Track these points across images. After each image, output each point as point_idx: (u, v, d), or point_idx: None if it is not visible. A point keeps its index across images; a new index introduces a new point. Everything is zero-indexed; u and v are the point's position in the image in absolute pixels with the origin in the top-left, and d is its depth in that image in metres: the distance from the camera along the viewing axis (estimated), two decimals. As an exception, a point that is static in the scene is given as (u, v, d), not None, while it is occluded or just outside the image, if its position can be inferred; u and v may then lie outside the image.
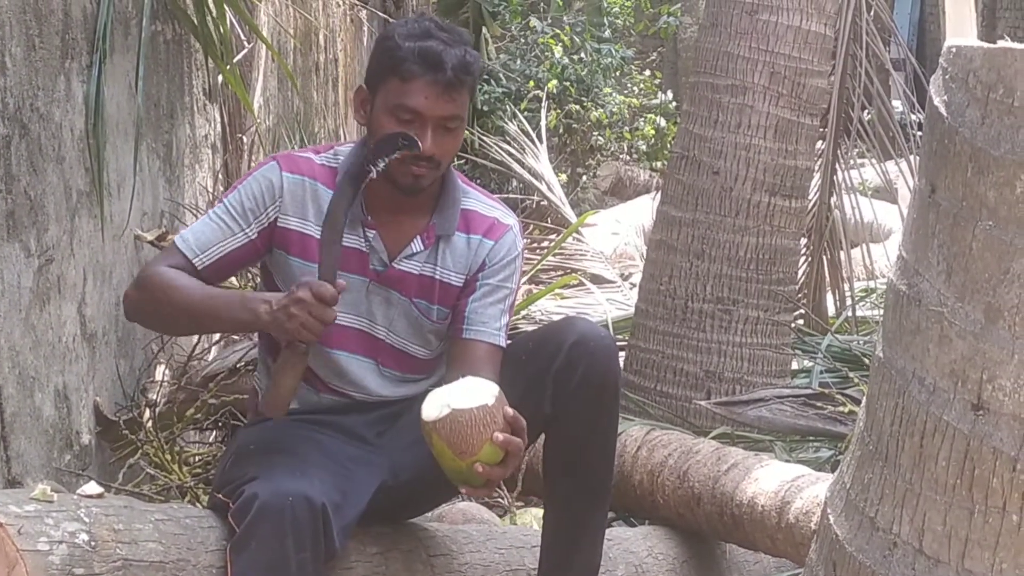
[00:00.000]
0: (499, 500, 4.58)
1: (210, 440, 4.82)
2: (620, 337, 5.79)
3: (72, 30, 3.90)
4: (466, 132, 11.23)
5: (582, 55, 12.85)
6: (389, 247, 3.23)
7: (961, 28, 5.19)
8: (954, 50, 2.16)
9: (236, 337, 4.98)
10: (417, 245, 3.24)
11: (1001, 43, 2.11)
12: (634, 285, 6.83)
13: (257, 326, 3.11)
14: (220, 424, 4.58)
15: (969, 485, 2.17)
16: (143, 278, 3.17)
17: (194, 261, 3.15)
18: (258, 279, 3.69)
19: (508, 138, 10.08)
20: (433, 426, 2.89)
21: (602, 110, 12.76)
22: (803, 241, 6.34)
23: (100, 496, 2.88)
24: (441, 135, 3.12)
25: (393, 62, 3.12)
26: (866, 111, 6.97)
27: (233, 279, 4.94)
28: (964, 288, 2.15)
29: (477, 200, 3.33)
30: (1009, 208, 2.09)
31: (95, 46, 4.05)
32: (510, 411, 2.93)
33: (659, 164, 13.00)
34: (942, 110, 2.17)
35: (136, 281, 3.20)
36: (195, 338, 4.89)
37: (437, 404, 2.91)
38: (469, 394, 2.92)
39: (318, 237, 3.17)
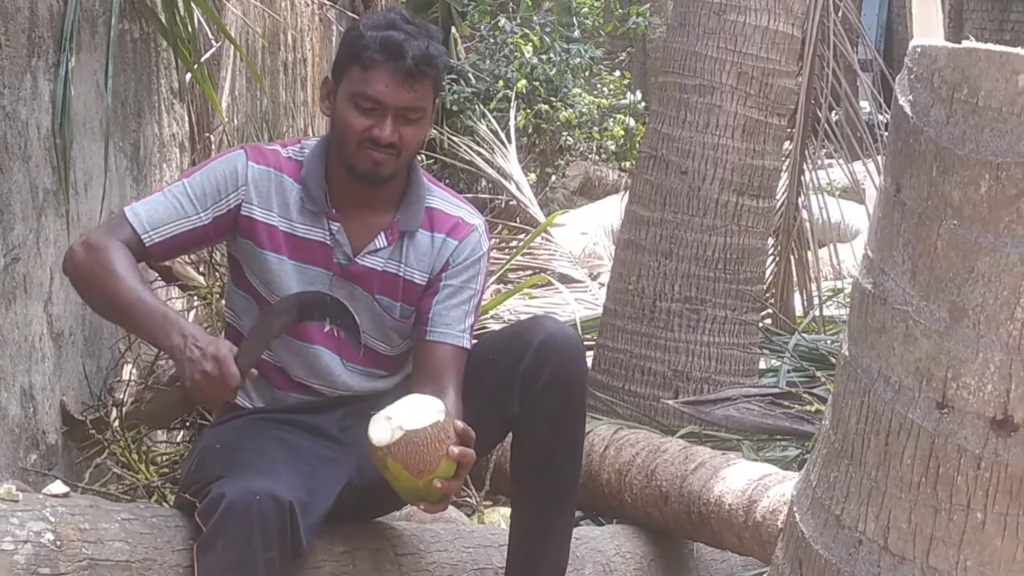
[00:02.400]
0: (467, 499, 4.58)
1: (177, 440, 4.80)
2: (588, 336, 5.80)
3: (39, 28, 3.88)
4: (435, 132, 11.13)
5: (551, 55, 12.84)
6: (353, 241, 3.22)
7: (928, 29, 5.22)
8: (919, 50, 2.17)
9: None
10: (381, 241, 3.23)
11: (966, 43, 2.12)
12: (602, 285, 6.83)
13: (163, 348, 3.06)
14: (187, 424, 4.57)
15: (934, 483, 2.18)
16: (95, 246, 3.07)
17: (143, 237, 3.10)
18: (226, 277, 3.67)
19: (477, 138, 10.08)
20: (387, 450, 2.88)
21: (571, 110, 12.76)
22: (771, 241, 6.37)
23: (66, 495, 2.86)
24: (402, 124, 3.11)
25: (355, 50, 3.12)
26: (834, 111, 7.00)
27: (201, 278, 4.93)
28: (929, 287, 2.16)
29: (442, 199, 3.32)
30: (973, 207, 2.10)
31: (62, 45, 4.03)
32: (460, 424, 2.95)
33: (628, 164, 13.01)
34: (907, 110, 2.18)
35: (87, 243, 3.10)
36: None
37: (386, 428, 2.89)
38: (417, 413, 2.91)
39: (283, 230, 3.18)
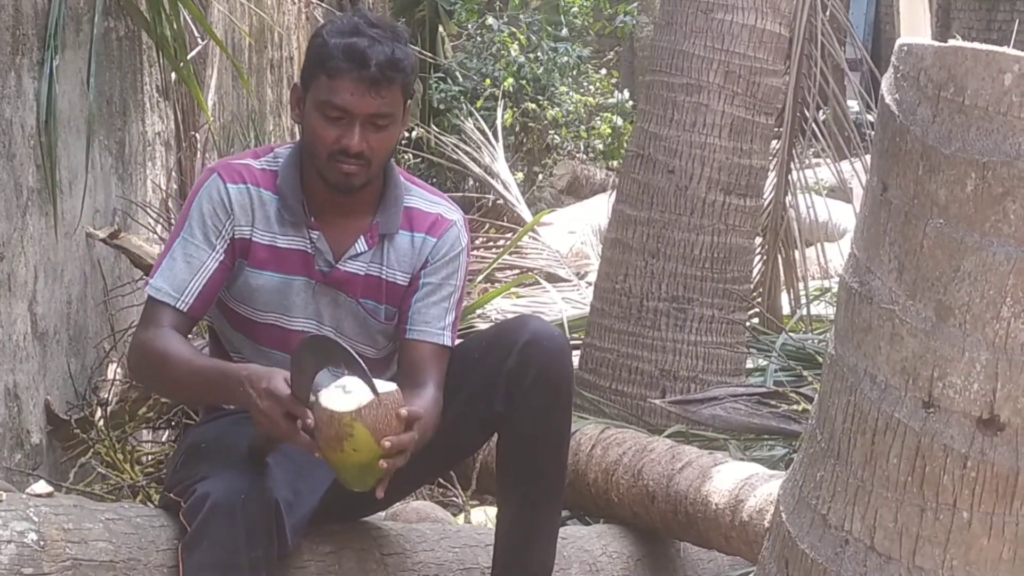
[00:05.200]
0: (454, 499, 4.57)
1: (163, 439, 4.79)
2: (575, 336, 5.79)
3: (23, 26, 3.86)
4: (422, 130, 11.07)
5: (539, 54, 12.84)
6: (334, 248, 3.20)
7: (915, 28, 5.22)
8: (905, 48, 2.17)
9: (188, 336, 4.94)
10: (361, 245, 3.21)
11: (952, 42, 2.12)
12: (590, 284, 6.83)
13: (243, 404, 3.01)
14: (173, 423, 4.56)
15: (920, 482, 2.18)
16: (139, 346, 3.12)
17: (177, 306, 3.09)
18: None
19: (464, 136, 10.07)
20: (357, 414, 2.78)
21: (558, 109, 12.76)
22: (758, 240, 6.37)
23: (50, 495, 2.86)
24: (371, 132, 3.08)
25: (320, 59, 3.09)
26: (821, 111, 7.00)
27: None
28: (915, 286, 2.15)
29: (420, 197, 3.30)
30: (960, 206, 2.10)
31: (47, 42, 4.02)
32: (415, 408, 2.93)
33: (615, 163, 13.01)
34: (893, 108, 2.17)
35: (133, 347, 3.17)
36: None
37: (347, 397, 2.81)
38: (363, 387, 2.83)
39: (265, 243, 3.16)
